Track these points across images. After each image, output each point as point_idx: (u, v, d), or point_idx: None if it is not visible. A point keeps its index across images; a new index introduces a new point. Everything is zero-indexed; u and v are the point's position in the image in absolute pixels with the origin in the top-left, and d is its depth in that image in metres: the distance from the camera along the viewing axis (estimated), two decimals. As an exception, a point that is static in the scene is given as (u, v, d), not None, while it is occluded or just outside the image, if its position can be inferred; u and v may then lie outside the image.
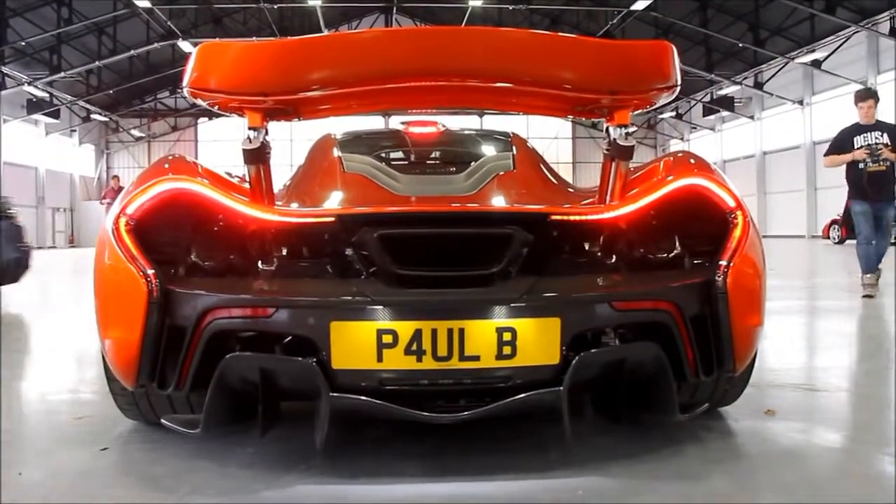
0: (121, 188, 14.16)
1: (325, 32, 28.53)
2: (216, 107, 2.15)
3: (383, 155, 3.07)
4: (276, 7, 27.39)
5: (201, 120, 40.25)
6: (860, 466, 1.98)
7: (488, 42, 2.01)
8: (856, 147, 6.35)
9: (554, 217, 2.05)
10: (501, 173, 2.61)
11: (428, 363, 1.81)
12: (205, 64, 2.00)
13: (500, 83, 2.06)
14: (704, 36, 29.22)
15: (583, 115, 2.30)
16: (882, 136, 6.32)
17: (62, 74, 28.31)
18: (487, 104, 2.44)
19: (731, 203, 2.06)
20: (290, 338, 1.92)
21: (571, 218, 2.08)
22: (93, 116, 35.78)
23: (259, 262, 2.08)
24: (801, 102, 30.51)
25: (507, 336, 1.82)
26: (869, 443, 2.17)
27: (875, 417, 2.55)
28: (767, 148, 33.72)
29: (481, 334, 1.82)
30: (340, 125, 3.55)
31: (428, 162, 3.20)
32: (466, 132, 3.48)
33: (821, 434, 2.27)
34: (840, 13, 24.52)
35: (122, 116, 38.73)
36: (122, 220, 1.94)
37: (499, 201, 2.41)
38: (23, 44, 26.01)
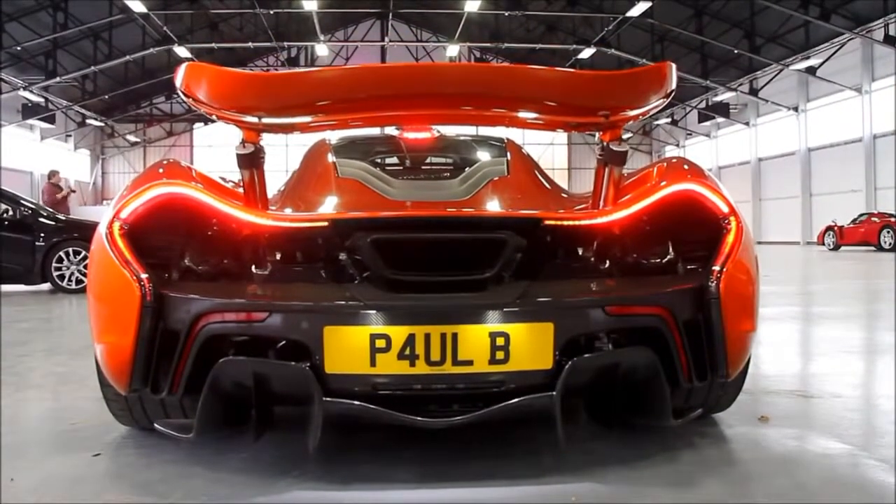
0: (59, 186, 12.44)
1: (322, 39, 28.66)
2: (212, 115, 2.14)
3: (378, 160, 3.07)
4: (272, 13, 27.41)
5: (197, 125, 40.28)
6: (853, 473, 1.98)
7: (482, 79, 2.02)
8: None
9: (547, 222, 2.05)
10: (495, 179, 2.61)
11: (421, 368, 1.81)
12: (192, 82, 1.97)
13: (495, 110, 2.06)
14: (700, 43, 29.34)
15: (576, 129, 2.30)
16: None
17: (57, 79, 28.25)
18: (479, 122, 2.44)
19: (725, 209, 2.07)
20: (283, 342, 1.92)
21: (565, 223, 2.08)
22: (88, 121, 35.73)
23: (253, 267, 2.08)
24: (796, 109, 30.65)
25: (500, 341, 1.82)
26: (862, 450, 2.17)
27: (869, 425, 2.55)
28: (763, 154, 33.86)
29: (474, 339, 1.82)
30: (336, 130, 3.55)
31: (422, 167, 3.20)
32: (461, 138, 3.48)
33: (814, 441, 2.27)
34: (835, 20, 24.64)
35: (117, 121, 38.75)
36: (116, 225, 1.94)
37: (493, 206, 2.41)
38: (18, 48, 25.96)
